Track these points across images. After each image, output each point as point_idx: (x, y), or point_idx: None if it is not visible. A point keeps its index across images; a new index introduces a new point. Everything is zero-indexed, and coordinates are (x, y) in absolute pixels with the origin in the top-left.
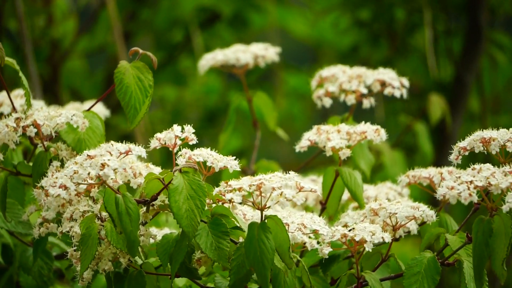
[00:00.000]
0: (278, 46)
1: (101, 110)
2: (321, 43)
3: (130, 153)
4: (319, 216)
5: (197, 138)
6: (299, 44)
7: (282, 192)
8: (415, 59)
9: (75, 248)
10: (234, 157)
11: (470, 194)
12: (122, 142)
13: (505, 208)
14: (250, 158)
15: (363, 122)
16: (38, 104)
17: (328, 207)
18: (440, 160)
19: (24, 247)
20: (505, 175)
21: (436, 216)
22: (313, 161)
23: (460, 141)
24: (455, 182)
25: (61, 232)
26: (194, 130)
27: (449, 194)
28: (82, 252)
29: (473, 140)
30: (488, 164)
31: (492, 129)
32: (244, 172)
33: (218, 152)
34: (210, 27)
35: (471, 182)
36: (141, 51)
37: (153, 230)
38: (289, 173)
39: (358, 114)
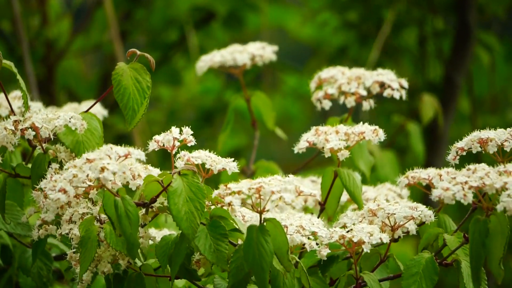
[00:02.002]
0: (275, 46)
1: (99, 110)
2: (319, 42)
3: (129, 156)
4: (318, 217)
5: (194, 138)
6: (298, 44)
7: (281, 196)
8: (404, 59)
9: (74, 250)
10: (232, 159)
11: (464, 195)
12: (118, 142)
13: (499, 207)
14: (248, 158)
15: (361, 122)
16: (36, 106)
17: (327, 208)
18: (431, 160)
19: (23, 248)
20: (499, 175)
21: (435, 216)
22: (311, 161)
23: (457, 141)
24: (450, 183)
25: (60, 234)
26: (192, 132)
27: (444, 195)
28: (81, 255)
29: (470, 141)
30: (483, 164)
31: (485, 129)
32: (243, 172)
33: (217, 154)
34: (205, 27)
35: (465, 182)
36: (138, 52)
37: (152, 231)
38: (288, 176)
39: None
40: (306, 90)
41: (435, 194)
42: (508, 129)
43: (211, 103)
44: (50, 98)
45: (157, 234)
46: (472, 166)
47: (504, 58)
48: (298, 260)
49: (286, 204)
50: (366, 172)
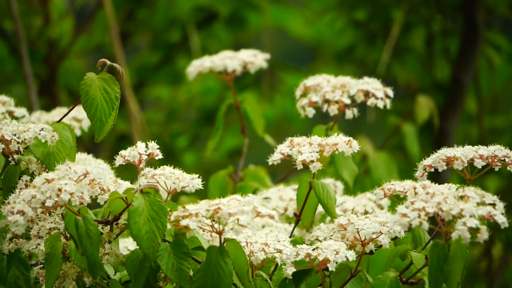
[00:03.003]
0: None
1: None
2: (320, 42)
3: (88, 175)
4: (294, 227)
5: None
6: (298, 44)
7: (238, 219)
8: (412, 59)
9: (41, 266)
10: (197, 175)
11: (420, 223)
12: (120, 142)
13: (454, 235)
14: (249, 163)
15: (335, 134)
16: (20, 112)
17: (303, 219)
18: None
19: (1, 256)
20: (458, 199)
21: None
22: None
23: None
24: (408, 208)
25: (27, 250)
26: (158, 146)
27: (400, 222)
28: (47, 272)
29: (437, 158)
30: (444, 186)
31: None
32: (232, 178)
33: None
34: (207, 27)
35: (422, 208)
36: (108, 62)
37: (129, 240)
38: (248, 196)
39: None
40: None
41: (393, 219)
42: (475, 146)
43: (212, 103)
44: (51, 99)
45: (132, 244)
46: (431, 190)
47: (506, 57)
48: (265, 276)
49: (242, 226)
50: (349, 182)
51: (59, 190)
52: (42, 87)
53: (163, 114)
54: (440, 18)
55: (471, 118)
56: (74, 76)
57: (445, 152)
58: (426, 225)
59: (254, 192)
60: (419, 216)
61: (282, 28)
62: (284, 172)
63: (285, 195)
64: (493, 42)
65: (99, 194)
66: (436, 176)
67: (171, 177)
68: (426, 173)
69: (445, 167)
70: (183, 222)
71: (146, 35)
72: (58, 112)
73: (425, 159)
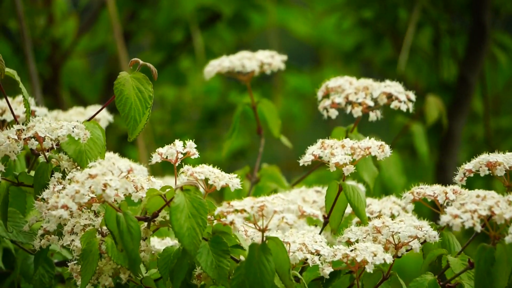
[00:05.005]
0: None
1: (104, 115)
2: (322, 43)
3: (131, 172)
4: (322, 230)
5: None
6: (300, 44)
7: (283, 217)
8: (419, 59)
9: (75, 262)
10: (235, 175)
11: (474, 224)
12: (122, 142)
13: (508, 239)
14: (251, 160)
15: (367, 137)
16: (41, 112)
17: (331, 221)
18: (444, 160)
19: (25, 255)
20: (509, 204)
21: (439, 235)
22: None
23: (466, 161)
24: (459, 210)
25: (61, 245)
26: (195, 145)
27: (453, 223)
28: (83, 268)
29: (478, 163)
30: (492, 191)
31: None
32: (248, 178)
33: (218, 167)
34: (210, 27)
35: (475, 211)
36: (141, 62)
37: (154, 240)
38: (291, 191)
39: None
40: (308, 90)
41: (444, 219)
42: None
43: (214, 103)
44: (54, 98)
45: (159, 243)
46: (481, 193)
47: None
48: (299, 276)
49: (288, 224)
50: (370, 184)
51: (104, 185)
52: (45, 86)
53: (167, 113)
54: (448, 18)
55: (477, 118)
56: (77, 76)
57: (486, 157)
58: (479, 227)
59: (274, 192)
60: (472, 218)
61: (283, 28)
62: (287, 171)
63: (307, 197)
64: (500, 42)
65: (133, 192)
66: (443, 180)
67: (210, 176)
68: (465, 178)
69: (487, 172)
70: (229, 218)
71: (149, 35)
72: (75, 111)
73: (432, 159)
